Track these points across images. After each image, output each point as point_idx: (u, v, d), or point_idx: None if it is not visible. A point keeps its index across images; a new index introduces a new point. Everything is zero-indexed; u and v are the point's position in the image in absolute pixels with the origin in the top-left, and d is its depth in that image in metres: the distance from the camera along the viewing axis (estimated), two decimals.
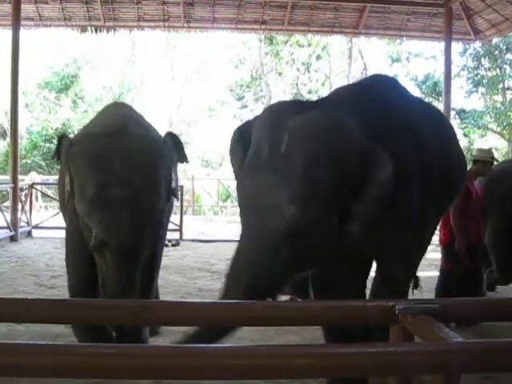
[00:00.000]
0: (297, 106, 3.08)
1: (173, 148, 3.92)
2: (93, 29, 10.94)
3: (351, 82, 3.83)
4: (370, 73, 20.46)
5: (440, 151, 3.47)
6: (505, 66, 18.84)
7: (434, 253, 7.89)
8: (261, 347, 1.51)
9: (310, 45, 21.57)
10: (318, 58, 22.10)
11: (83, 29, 10.94)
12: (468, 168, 4.76)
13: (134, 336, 3.76)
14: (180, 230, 10.56)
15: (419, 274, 4.46)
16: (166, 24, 11.07)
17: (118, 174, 3.38)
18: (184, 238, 10.44)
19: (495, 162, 5.78)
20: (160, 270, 4.46)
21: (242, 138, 3.12)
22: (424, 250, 3.82)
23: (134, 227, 3.34)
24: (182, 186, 11.69)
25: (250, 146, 2.98)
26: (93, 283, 3.69)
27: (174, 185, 3.82)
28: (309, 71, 22.24)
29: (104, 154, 3.44)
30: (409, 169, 3.10)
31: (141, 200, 3.39)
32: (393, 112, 3.28)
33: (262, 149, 2.82)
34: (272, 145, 2.79)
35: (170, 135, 4.00)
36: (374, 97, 3.33)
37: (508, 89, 19.08)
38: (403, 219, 3.09)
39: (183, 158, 4.07)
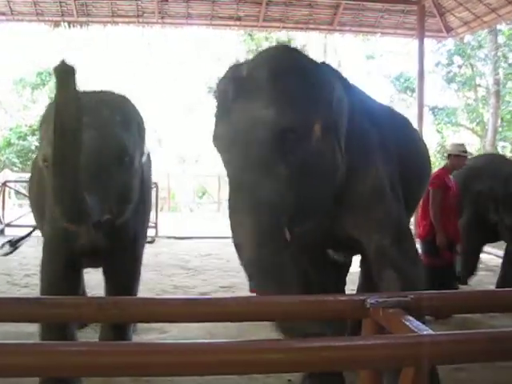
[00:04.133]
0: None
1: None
2: (66, 24, 10.81)
3: None
4: (344, 69, 20.59)
5: (400, 144, 3.51)
6: (476, 63, 19.09)
7: None
8: (229, 343, 1.50)
9: (289, 41, 21.58)
10: None
11: (56, 24, 10.81)
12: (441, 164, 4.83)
13: (117, 334, 3.73)
14: (155, 227, 10.52)
15: None
16: (141, 20, 10.98)
17: (87, 106, 3.05)
18: (159, 235, 10.40)
19: (469, 157, 5.89)
20: None
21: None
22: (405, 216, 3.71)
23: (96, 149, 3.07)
24: (156, 183, 11.64)
25: None
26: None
27: (143, 160, 3.60)
28: None
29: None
30: (372, 140, 3.18)
31: (109, 133, 3.20)
32: (361, 96, 3.40)
33: (226, 90, 2.85)
34: (234, 80, 2.84)
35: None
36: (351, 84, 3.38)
37: (479, 86, 19.34)
38: (371, 189, 3.10)
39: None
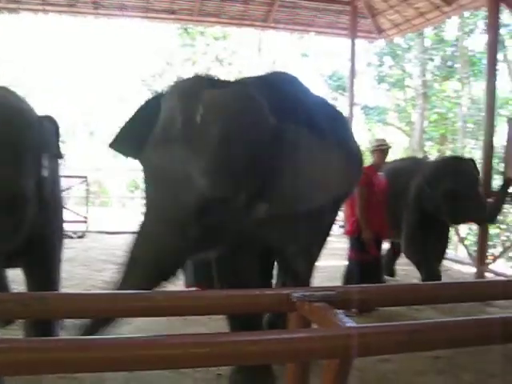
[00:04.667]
0: (209, 82, 3.04)
1: (49, 133, 3.46)
2: None
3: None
4: (279, 67, 20.74)
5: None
6: (406, 64, 19.67)
7: (336, 243, 8.17)
8: (156, 337, 1.50)
9: (224, 38, 21.49)
10: (232, 52, 22.06)
11: None
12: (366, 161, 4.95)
13: (43, 331, 3.63)
14: (86, 221, 10.29)
15: (323, 263, 4.63)
16: (73, 9, 10.65)
17: None
18: (90, 229, 10.18)
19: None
20: (64, 263, 4.31)
21: (148, 115, 3.02)
22: (324, 238, 3.91)
23: None
24: (86, 177, 11.38)
25: (152, 122, 2.90)
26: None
27: (45, 173, 3.29)
28: (222, 64, 22.15)
29: None
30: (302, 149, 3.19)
31: None
32: (296, 102, 3.36)
33: (174, 121, 2.74)
34: (185, 117, 2.72)
35: (49, 119, 3.52)
36: (280, 87, 3.39)
37: (408, 87, 19.94)
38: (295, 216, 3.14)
39: (58, 151, 3.61)
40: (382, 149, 5.64)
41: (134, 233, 2.82)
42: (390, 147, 5.74)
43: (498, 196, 6.34)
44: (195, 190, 2.61)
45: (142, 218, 2.83)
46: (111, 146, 3.19)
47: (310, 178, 2.94)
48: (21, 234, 3.18)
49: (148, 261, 2.64)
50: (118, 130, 3.22)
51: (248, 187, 2.78)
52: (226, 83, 3.15)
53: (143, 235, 2.74)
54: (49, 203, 3.52)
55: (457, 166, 6.01)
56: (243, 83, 3.28)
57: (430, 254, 6.26)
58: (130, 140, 3.11)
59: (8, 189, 3.00)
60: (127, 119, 3.21)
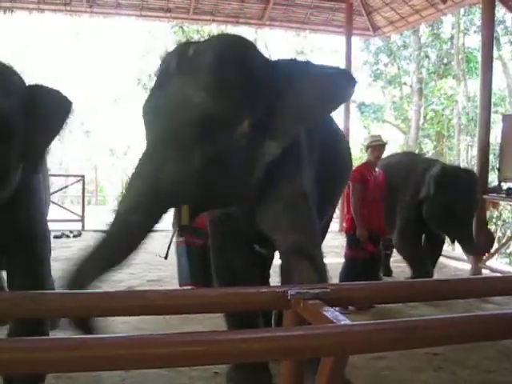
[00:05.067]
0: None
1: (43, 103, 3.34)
2: None
3: None
4: None
5: (327, 142, 3.58)
6: (401, 62, 19.70)
7: (334, 240, 8.19)
8: (151, 336, 1.49)
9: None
10: None
11: None
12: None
13: (32, 330, 3.61)
14: (82, 220, 10.27)
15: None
16: (68, 8, 10.62)
17: None
18: (86, 228, 10.16)
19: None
20: (61, 262, 4.30)
21: None
22: (323, 231, 3.83)
23: None
24: (83, 176, 11.36)
25: None
26: None
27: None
28: None
29: None
30: (301, 143, 3.18)
31: None
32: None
33: (170, 63, 2.81)
34: (180, 55, 2.80)
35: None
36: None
37: (404, 84, 19.97)
38: (293, 194, 3.11)
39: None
40: (377, 145, 5.63)
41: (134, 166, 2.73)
42: (385, 143, 5.73)
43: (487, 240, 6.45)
44: (193, 107, 2.61)
45: (141, 153, 2.75)
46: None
47: (309, 94, 2.92)
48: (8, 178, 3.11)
49: (149, 186, 2.57)
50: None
51: (249, 113, 2.76)
52: None
53: (144, 162, 2.66)
54: (34, 192, 3.53)
55: (469, 183, 5.99)
56: None
57: (421, 251, 6.34)
58: None
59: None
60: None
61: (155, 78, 2.95)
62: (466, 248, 6.30)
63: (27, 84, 3.31)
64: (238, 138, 2.73)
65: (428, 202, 5.92)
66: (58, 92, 3.51)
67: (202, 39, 3.07)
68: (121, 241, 2.66)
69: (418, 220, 6.10)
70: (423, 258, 6.29)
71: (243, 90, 2.75)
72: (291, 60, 3.18)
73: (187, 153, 2.61)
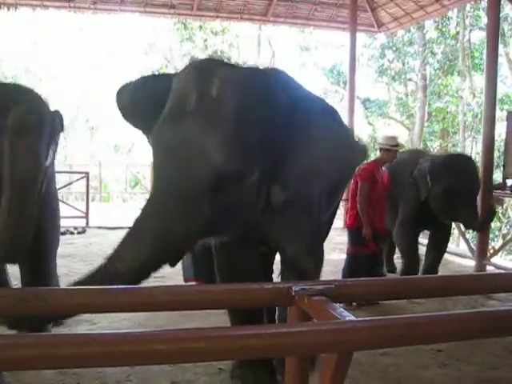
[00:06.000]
0: (224, 62, 3.08)
1: (58, 125, 3.68)
2: None
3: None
4: (278, 61, 20.70)
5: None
6: (407, 58, 19.63)
7: (338, 236, 8.18)
8: (156, 332, 1.49)
9: (223, 32, 21.41)
10: (231, 46, 22.01)
11: None
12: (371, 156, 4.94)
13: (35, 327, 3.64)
14: (86, 217, 10.28)
15: (325, 257, 4.62)
16: (72, 4, 10.62)
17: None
18: (90, 225, 10.18)
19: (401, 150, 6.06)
20: (65, 258, 4.32)
21: (151, 86, 3.06)
22: (320, 227, 3.83)
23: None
24: (87, 173, 11.37)
25: (156, 97, 2.88)
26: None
27: (47, 161, 3.44)
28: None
29: None
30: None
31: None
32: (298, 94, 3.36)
33: (188, 95, 2.69)
34: (200, 91, 2.68)
35: (58, 113, 3.75)
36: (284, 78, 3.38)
37: (409, 80, 19.90)
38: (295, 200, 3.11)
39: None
40: (391, 149, 5.61)
41: (141, 208, 2.70)
42: (401, 147, 5.77)
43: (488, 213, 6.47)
44: (209, 162, 2.56)
45: (150, 194, 2.75)
46: (120, 108, 3.21)
47: (321, 156, 2.92)
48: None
49: (154, 237, 2.52)
50: (125, 91, 3.22)
51: (261, 162, 2.74)
52: (239, 65, 3.16)
53: (152, 210, 2.62)
54: (45, 195, 3.57)
55: (462, 165, 5.99)
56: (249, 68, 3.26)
57: (415, 245, 6.44)
58: (138, 111, 3.11)
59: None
60: (133, 84, 3.19)
61: (171, 102, 2.82)
62: (472, 225, 6.34)
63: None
64: (247, 187, 2.73)
65: (429, 195, 5.93)
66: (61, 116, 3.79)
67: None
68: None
69: (418, 216, 6.15)
70: (416, 252, 6.41)
71: (262, 142, 2.72)
72: (313, 102, 3.21)
73: (197, 207, 2.59)
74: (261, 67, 3.46)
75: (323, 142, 2.93)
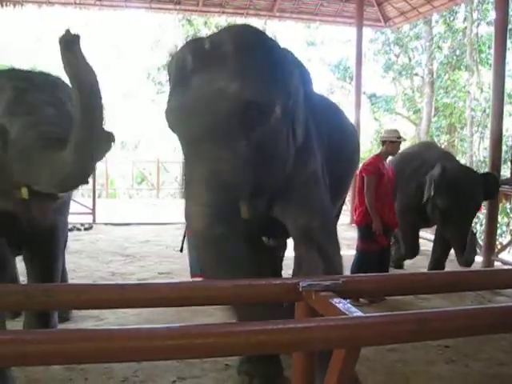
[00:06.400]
0: None
1: None
2: None
3: None
4: None
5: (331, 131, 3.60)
6: (413, 53, 19.55)
7: (345, 232, 8.16)
8: (164, 328, 1.49)
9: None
10: None
11: None
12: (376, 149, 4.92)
13: (41, 322, 3.66)
14: (93, 213, 10.30)
15: None
16: (77, 1, 10.64)
17: (37, 83, 3.22)
18: (97, 221, 10.20)
19: (403, 142, 6.03)
20: (72, 255, 4.33)
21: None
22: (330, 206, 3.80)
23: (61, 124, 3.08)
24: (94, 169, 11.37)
25: None
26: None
27: None
28: None
29: (23, 73, 3.36)
30: (312, 130, 3.23)
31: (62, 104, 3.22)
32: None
33: (185, 60, 2.81)
34: (194, 52, 2.81)
35: None
36: None
37: (416, 75, 19.82)
38: (308, 177, 3.17)
39: None
40: (394, 140, 5.61)
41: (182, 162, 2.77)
42: (404, 140, 5.76)
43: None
44: (230, 96, 2.62)
45: (186, 156, 2.77)
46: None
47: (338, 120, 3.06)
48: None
49: (217, 190, 2.56)
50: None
51: (278, 98, 2.80)
52: None
53: (198, 165, 2.63)
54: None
55: (468, 187, 5.83)
56: None
57: (415, 232, 6.54)
58: None
59: None
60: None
61: (171, 78, 2.91)
62: (457, 257, 6.02)
63: None
64: (273, 122, 2.76)
65: (429, 201, 5.93)
66: None
67: (208, 33, 3.10)
68: (224, 259, 2.62)
69: (417, 210, 6.19)
70: (416, 240, 6.52)
71: (268, 74, 2.78)
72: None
73: (234, 145, 2.62)
74: None
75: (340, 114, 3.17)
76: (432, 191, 5.85)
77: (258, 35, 2.94)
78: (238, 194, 2.67)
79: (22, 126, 3.01)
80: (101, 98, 2.72)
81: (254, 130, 2.68)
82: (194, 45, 2.86)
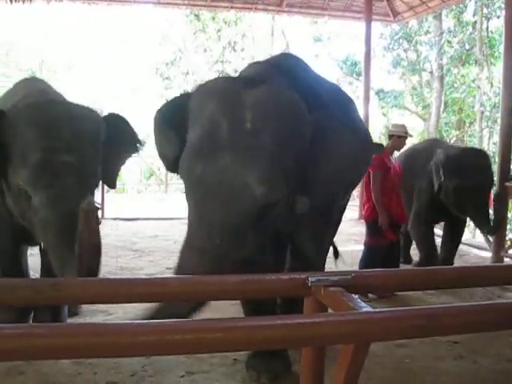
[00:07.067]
0: (240, 81, 2.99)
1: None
2: None
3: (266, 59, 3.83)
4: (292, 52, 20.54)
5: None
6: (421, 48, 19.44)
7: (353, 228, 8.15)
8: (172, 323, 1.49)
9: (236, 23, 21.33)
10: (244, 36, 21.92)
11: None
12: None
13: (51, 317, 3.68)
14: (101, 208, 10.32)
15: (340, 248, 4.61)
16: None
17: (64, 139, 3.21)
18: (105, 216, 10.22)
19: (410, 138, 6.01)
20: None
21: (173, 118, 2.99)
22: (334, 224, 3.87)
23: (80, 195, 3.13)
24: None
25: (185, 127, 2.84)
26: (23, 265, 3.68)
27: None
28: (234, 50, 22.00)
29: (48, 120, 3.27)
30: None
31: (86, 166, 3.27)
32: (313, 89, 3.33)
33: (219, 128, 2.64)
34: (231, 122, 2.64)
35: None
36: (296, 74, 3.37)
37: (424, 70, 19.70)
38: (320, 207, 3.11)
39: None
40: (401, 135, 5.60)
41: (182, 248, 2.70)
42: (410, 136, 5.74)
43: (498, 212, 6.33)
44: (252, 195, 2.55)
45: (190, 228, 2.70)
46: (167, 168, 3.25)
47: (340, 161, 2.96)
48: None
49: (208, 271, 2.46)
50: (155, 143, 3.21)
51: (292, 180, 2.77)
52: (255, 80, 3.01)
53: (199, 247, 2.56)
54: None
55: (475, 162, 5.89)
56: (270, 79, 3.12)
57: (431, 235, 6.37)
58: (165, 151, 3.12)
59: (93, 176, 3.38)
60: (154, 127, 3.16)
61: (194, 116, 2.81)
62: (482, 228, 6.26)
63: (102, 116, 3.75)
64: (283, 206, 2.76)
65: (442, 187, 5.89)
66: (124, 121, 3.99)
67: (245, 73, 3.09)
68: None
69: (433, 206, 6.10)
70: (432, 242, 6.34)
71: (295, 170, 2.76)
72: (327, 94, 3.30)
73: (243, 239, 2.63)
74: (273, 59, 3.45)
75: (342, 149, 2.96)
76: (442, 177, 5.82)
77: (296, 117, 2.80)
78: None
79: (42, 199, 3.08)
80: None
81: (263, 221, 2.67)
82: (233, 110, 2.69)
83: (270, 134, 2.63)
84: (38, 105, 3.40)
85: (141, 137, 4.14)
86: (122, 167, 4.14)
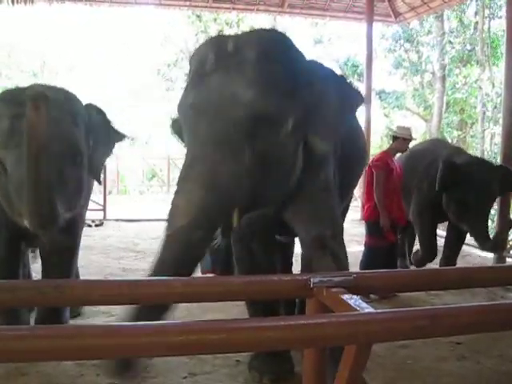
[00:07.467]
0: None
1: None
2: (9, 0, 10.39)
3: None
4: None
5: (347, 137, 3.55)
6: (423, 48, 19.42)
7: (355, 228, 8.15)
8: (174, 324, 1.49)
9: (238, 24, 21.35)
10: None
11: None
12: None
13: (53, 318, 3.68)
14: (104, 209, 10.35)
15: None
16: None
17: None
18: (108, 217, 10.24)
19: (413, 141, 6.01)
20: (83, 251, 4.35)
21: None
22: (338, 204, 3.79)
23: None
24: (105, 166, 11.42)
25: None
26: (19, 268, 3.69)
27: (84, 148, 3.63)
28: None
29: (18, 93, 3.39)
30: None
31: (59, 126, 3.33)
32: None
33: (206, 57, 2.74)
34: (217, 50, 2.74)
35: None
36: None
37: (426, 71, 19.69)
38: (320, 188, 3.13)
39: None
40: (406, 138, 5.58)
41: (182, 167, 2.67)
42: (414, 139, 5.74)
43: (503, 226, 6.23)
44: (244, 104, 2.57)
45: (188, 151, 2.69)
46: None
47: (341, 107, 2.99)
48: (80, 196, 3.58)
49: (203, 181, 2.47)
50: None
51: (293, 111, 2.75)
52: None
53: (194, 160, 2.57)
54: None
55: (480, 176, 5.68)
56: None
57: (433, 234, 6.29)
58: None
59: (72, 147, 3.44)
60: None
61: (190, 72, 2.87)
62: (480, 244, 5.97)
63: (84, 105, 3.83)
64: (283, 136, 2.71)
65: (444, 195, 5.84)
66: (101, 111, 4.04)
67: (231, 32, 3.07)
68: (184, 260, 2.41)
69: (434, 207, 6.05)
70: (434, 241, 6.28)
71: (288, 87, 2.73)
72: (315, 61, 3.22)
73: (238, 152, 2.56)
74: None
75: (340, 91, 3.02)
76: (439, 185, 5.75)
77: (283, 44, 2.89)
78: (232, 202, 2.58)
79: (13, 160, 3.17)
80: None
81: (261, 142, 2.62)
82: (218, 43, 2.80)
83: (254, 50, 2.69)
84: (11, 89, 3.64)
85: (122, 130, 4.22)
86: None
